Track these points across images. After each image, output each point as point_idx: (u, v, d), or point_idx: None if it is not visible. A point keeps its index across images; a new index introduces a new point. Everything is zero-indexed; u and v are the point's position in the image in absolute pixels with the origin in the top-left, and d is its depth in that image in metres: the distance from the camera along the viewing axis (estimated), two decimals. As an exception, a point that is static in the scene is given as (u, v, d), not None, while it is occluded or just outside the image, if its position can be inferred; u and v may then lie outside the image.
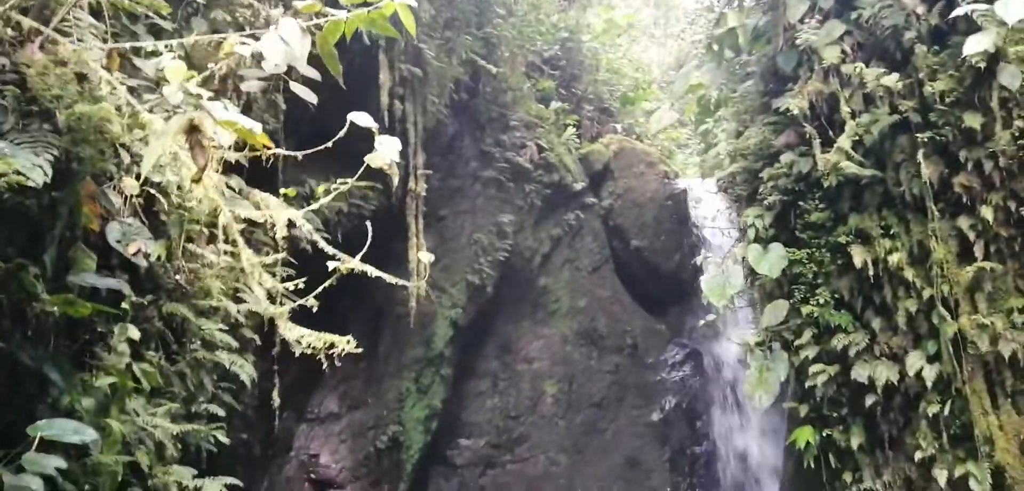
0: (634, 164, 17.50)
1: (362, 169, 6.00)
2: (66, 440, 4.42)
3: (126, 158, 6.20)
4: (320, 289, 7.41)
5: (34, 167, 4.55)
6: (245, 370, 8.58)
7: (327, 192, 9.91)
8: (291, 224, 10.45)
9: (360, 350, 14.14)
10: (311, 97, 6.55)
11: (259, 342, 9.82)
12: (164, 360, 7.25)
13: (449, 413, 15.61)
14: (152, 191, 6.66)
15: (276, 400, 9.93)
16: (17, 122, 4.96)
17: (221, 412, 8.10)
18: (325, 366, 7.55)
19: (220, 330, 8.15)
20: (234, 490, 10.48)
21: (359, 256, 7.44)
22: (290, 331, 9.01)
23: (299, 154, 6.71)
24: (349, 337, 6.83)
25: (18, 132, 4.91)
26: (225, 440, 8.60)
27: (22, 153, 4.62)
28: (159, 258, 7.22)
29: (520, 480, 15.84)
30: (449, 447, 15.95)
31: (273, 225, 9.43)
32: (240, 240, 7.95)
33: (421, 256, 11.53)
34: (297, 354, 10.09)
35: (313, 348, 7.24)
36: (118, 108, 5.53)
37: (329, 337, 6.88)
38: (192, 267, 7.83)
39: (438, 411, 14.60)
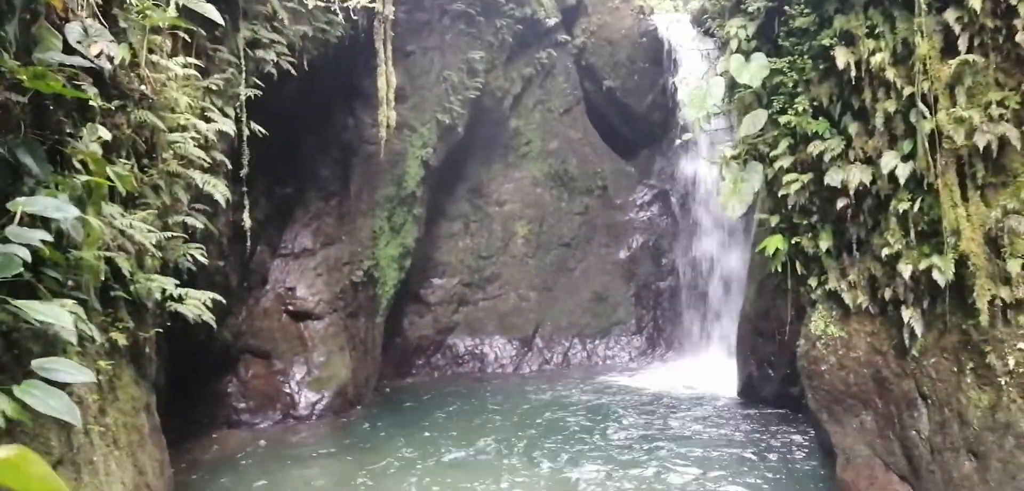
0: (608, -1, 17.10)
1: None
2: (49, 215, 4.32)
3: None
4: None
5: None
6: (219, 189, 8.44)
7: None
8: (254, 44, 10.10)
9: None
10: None
11: (229, 166, 9.66)
12: (137, 169, 7.08)
13: (422, 253, 15.76)
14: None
15: (247, 221, 9.86)
16: None
17: (198, 225, 8.00)
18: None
19: (193, 144, 7.96)
20: (217, 304, 10.58)
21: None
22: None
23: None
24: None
25: None
26: (203, 260, 8.58)
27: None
28: (123, 63, 6.93)
29: (491, 316, 16.25)
30: (422, 286, 16.21)
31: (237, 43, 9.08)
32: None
33: (389, 80, 11.29)
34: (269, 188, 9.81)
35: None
36: None
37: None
38: (157, 77, 7.55)
39: (411, 250, 14.70)
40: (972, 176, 6.06)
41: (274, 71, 10.45)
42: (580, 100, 16.96)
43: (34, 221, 4.51)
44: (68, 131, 5.94)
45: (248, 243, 12.19)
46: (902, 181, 6.40)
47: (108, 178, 6.16)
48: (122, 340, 6.64)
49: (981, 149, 5.88)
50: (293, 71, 10.75)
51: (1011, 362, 5.89)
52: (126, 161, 6.83)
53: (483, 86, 15.36)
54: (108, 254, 6.45)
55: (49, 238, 4.29)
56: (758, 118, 7.59)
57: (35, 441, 4.92)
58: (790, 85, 7.53)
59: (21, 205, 4.31)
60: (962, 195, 6.12)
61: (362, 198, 14.17)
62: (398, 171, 14.35)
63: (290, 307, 13.13)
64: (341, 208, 13.98)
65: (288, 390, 12.70)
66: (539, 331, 16.19)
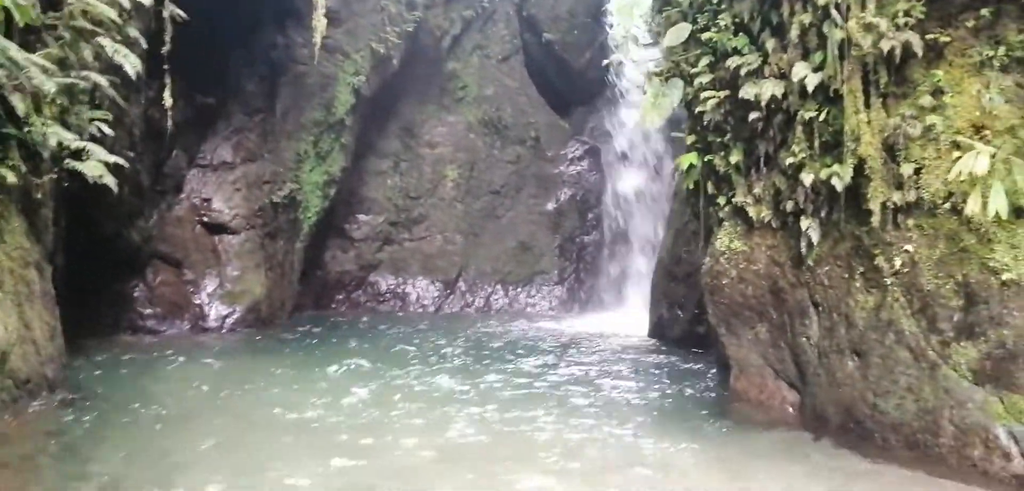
0: (552, -50, 17.13)
1: None
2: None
3: None
4: None
5: None
6: (129, 61, 8.12)
7: None
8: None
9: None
10: None
11: (145, 45, 9.31)
12: (39, 10, 6.75)
13: (349, 189, 15.54)
14: None
15: (168, 101, 9.52)
16: None
17: (104, 84, 7.66)
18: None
19: (103, 7, 7.62)
20: (127, 204, 10.13)
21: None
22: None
23: None
24: None
25: None
26: (109, 131, 8.25)
27: None
28: None
29: (416, 256, 16.16)
30: (347, 221, 15.99)
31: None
32: None
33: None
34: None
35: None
36: None
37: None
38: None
39: (337, 179, 14.49)
40: (875, 83, 6.31)
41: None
42: (519, 50, 17.00)
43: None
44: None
45: (164, 145, 11.84)
46: (810, 90, 6.61)
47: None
48: (11, 178, 6.36)
49: (885, 53, 6.12)
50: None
51: (897, 263, 6.17)
52: (26, -5, 6.50)
53: (421, 21, 15.25)
54: (1, 89, 6.15)
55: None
56: (681, 31, 7.73)
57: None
58: (715, 1, 7.69)
59: None
60: (866, 103, 6.36)
61: (288, 119, 13.87)
62: (327, 95, 14.09)
63: (205, 218, 12.77)
64: (265, 126, 13.65)
65: (198, 301, 12.37)
66: (463, 275, 16.19)
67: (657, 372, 9.76)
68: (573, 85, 17.35)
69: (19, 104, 6.38)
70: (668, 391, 8.68)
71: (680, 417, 7.50)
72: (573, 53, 16.93)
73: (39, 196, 6.97)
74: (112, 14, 7.67)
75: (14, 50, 6.12)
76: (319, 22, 11.39)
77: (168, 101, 9.57)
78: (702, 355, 10.39)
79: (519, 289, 16.24)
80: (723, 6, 7.57)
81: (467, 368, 9.82)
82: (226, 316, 12.40)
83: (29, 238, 7.05)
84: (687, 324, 11.44)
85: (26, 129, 6.52)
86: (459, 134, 16.66)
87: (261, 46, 13.64)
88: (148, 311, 11.99)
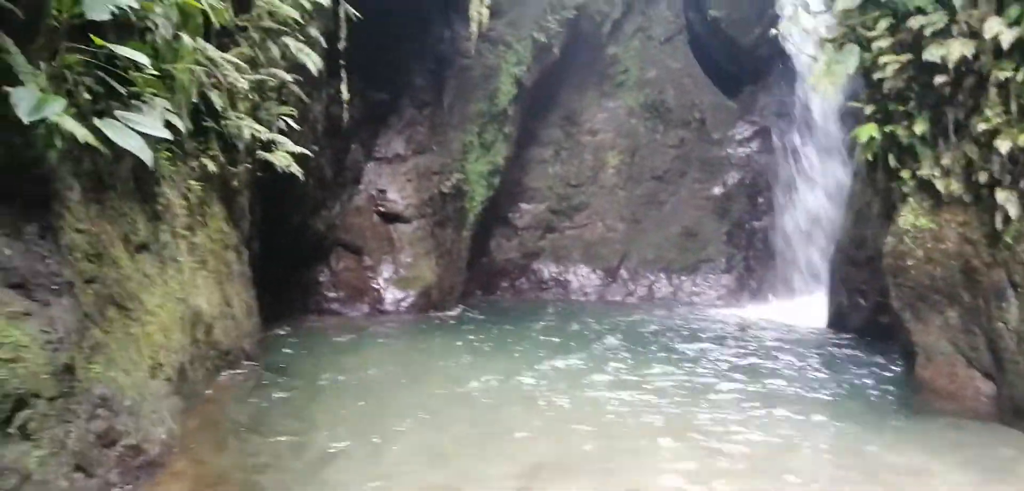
0: (719, -75, 16.51)
1: None
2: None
3: None
4: None
5: None
6: (311, 59, 8.81)
7: None
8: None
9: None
10: None
11: (325, 45, 10.05)
12: (231, 13, 7.46)
13: (512, 178, 15.89)
14: None
15: (345, 94, 10.20)
16: None
17: (289, 80, 8.36)
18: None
19: (287, 8, 8.30)
20: (312, 195, 10.97)
21: None
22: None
23: None
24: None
25: None
26: (295, 126, 9.00)
27: None
28: (226, -90, 7.29)
29: (577, 244, 16.23)
30: (511, 210, 16.36)
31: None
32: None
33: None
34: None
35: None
36: None
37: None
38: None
39: (500, 168, 14.86)
40: (1085, 36, 5.55)
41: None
42: (682, 29, 16.55)
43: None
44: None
45: (344, 140, 12.74)
46: (1006, 47, 5.94)
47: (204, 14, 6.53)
48: (212, 166, 7.09)
49: (1096, -1, 5.37)
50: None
51: (1117, 237, 5.39)
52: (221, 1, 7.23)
53: (582, 7, 15.25)
54: (201, 87, 6.87)
55: (136, 4, 4.61)
56: (855, -7, 7.21)
57: (123, 218, 5.36)
58: (893, -41, 7.10)
59: (115, -21, 4.66)
60: (1072, 58, 5.62)
61: (454, 111, 14.42)
62: (491, 86, 14.49)
63: (381, 208, 13.60)
64: (433, 119, 14.28)
65: (376, 285, 13.19)
66: (624, 262, 16.05)
67: (836, 363, 9.17)
68: (741, 63, 16.62)
69: (217, 99, 7.12)
70: (847, 382, 8.12)
71: (860, 408, 7.00)
72: (741, 29, 16.22)
73: (236, 184, 7.75)
74: (295, 15, 8.34)
75: (211, 50, 6.82)
76: (477, 12, 11.73)
77: (345, 96, 10.27)
78: (886, 346, 9.60)
79: (684, 277, 15.84)
80: (904, -38, 6.97)
81: (631, 353, 9.74)
82: (400, 300, 13.13)
83: (228, 223, 7.86)
84: (869, 312, 10.65)
85: (223, 122, 7.27)
86: (620, 119, 16.52)
87: (429, 41, 14.26)
88: (332, 295, 12.96)
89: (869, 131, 7.38)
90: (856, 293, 10.97)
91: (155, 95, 5.32)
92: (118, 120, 4.31)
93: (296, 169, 8.19)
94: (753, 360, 9.29)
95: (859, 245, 10.98)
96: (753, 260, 15.69)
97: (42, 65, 4.40)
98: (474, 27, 11.83)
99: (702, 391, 7.63)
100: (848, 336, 10.76)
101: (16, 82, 4.02)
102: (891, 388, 7.70)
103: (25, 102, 3.77)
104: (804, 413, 6.75)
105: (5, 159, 3.99)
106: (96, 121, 4.17)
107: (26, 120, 3.76)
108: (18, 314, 3.51)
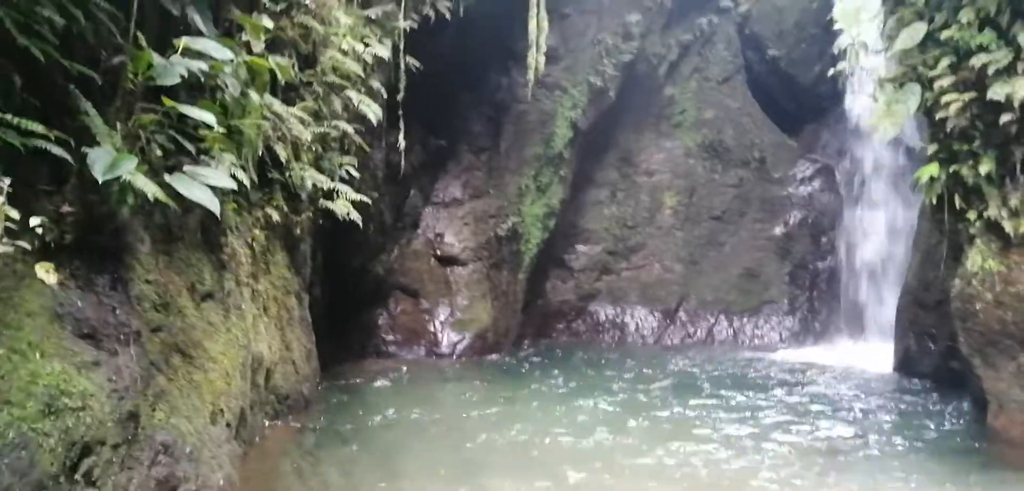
0: (777, -35, 16.41)
1: None
2: (210, 53, 4.91)
3: None
4: None
5: None
6: (371, 109, 9.08)
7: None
8: (415, -16, 10.69)
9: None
10: None
11: (385, 95, 10.36)
12: (297, 69, 7.78)
13: (568, 220, 15.93)
14: None
15: (401, 144, 10.45)
16: None
17: (350, 131, 8.63)
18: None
19: (351, 62, 8.61)
20: (372, 240, 11.21)
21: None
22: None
23: None
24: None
25: None
26: (356, 174, 9.27)
27: None
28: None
29: (634, 286, 16.10)
30: (566, 251, 16.36)
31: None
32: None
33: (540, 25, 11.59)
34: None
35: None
36: None
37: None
38: (319, -9, 8.24)
39: (556, 211, 14.92)
40: None
41: (432, 13, 11.08)
42: (740, 69, 16.42)
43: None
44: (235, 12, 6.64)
45: (403, 186, 13.03)
46: (1076, 84, 5.73)
47: (272, 72, 6.84)
48: (276, 216, 7.35)
49: None
50: (449, 16, 11.33)
51: None
52: (287, 58, 7.56)
53: (638, 51, 15.30)
54: (267, 140, 7.16)
55: (206, 68, 4.88)
56: (916, 32, 7.06)
57: (190, 269, 5.61)
58: (954, -3, 6.95)
59: (185, 42, 4.95)
60: None
61: (511, 156, 14.60)
62: (547, 131, 14.63)
63: (438, 252, 13.80)
64: (490, 163, 14.49)
65: (432, 328, 13.34)
66: (683, 304, 15.83)
67: (904, 411, 8.82)
68: (801, 102, 16.38)
69: (281, 152, 7.41)
70: (915, 432, 7.80)
71: (928, 459, 6.72)
72: (801, 68, 16.01)
73: (298, 232, 8.01)
74: (358, 69, 8.65)
75: (277, 105, 7.13)
76: (534, 60, 11.91)
77: (402, 144, 10.53)
78: (956, 392, 9.22)
79: (745, 319, 15.53)
80: (965, 1, 6.80)
81: (685, 400, 9.59)
82: (457, 342, 13.24)
83: (290, 270, 8.11)
84: (939, 357, 10.22)
85: (287, 173, 7.55)
86: (677, 160, 16.42)
87: (486, 88, 14.53)
88: (390, 337, 13.16)
89: (932, 171, 7.20)
90: (925, 337, 10.57)
91: (223, 150, 5.60)
92: (187, 174, 4.55)
93: (355, 216, 8.41)
94: (817, 408, 9.01)
95: (927, 287, 10.60)
96: (817, 302, 15.29)
97: (118, 125, 4.69)
98: (531, 75, 11.99)
99: (760, 440, 7.44)
100: (917, 381, 10.35)
101: (94, 143, 4.29)
102: (962, 439, 7.36)
103: (100, 162, 4.02)
104: (871, 470, 6.51)
105: (82, 215, 4.24)
106: (166, 176, 4.41)
107: (101, 179, 4.01)
108: (87, 364, 3.70)
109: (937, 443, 7.31)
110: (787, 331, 15.20)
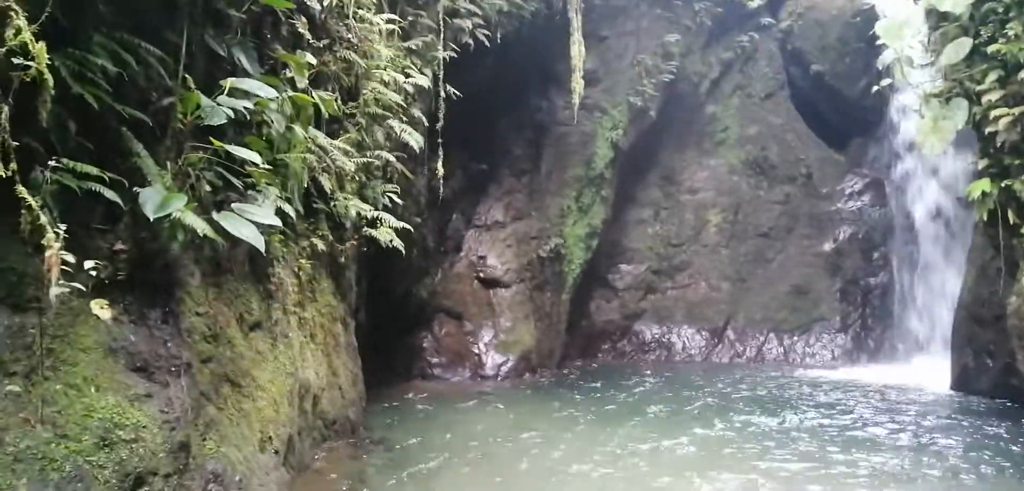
0: (818, -21, 16.22)
1: None
2: (255, 92, 5.08)
3: None
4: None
5: None
6: (413, 137, 9.23)
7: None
8: (453, 13, 10.89)
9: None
10: None
11: (426, 123, 10.52)
12: (340, 102, 7.96)
13: (611, 240, 15.89)
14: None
15: (440, 170, 10.58)
16: None
17: (393, 159, 8.77)
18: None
19: (392, 92, 8.77)
20: (415, 264, 11.32)
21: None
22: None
23: None
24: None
25: None
26: (399, 201, 9.42)
27: None
28: (331, 8, 7.85)
29: (680, 305, 15.95)
30: (610, 271, 16.31)
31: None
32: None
33: (580, 49, 11.65)
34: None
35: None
36: None
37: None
38: (362, 28, 8.45)
39: (598, 231, 14.90)
40: None
41: (470, 42, 11.23)
42: (784, 85, 16.23)
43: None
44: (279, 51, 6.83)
45: (445, 210, 13.18)
46: None
47: (315, 107, 7.02)
48: (321, 245, 7.52)
49: None
50: (487, 44, 11.47)
51: None
52: (330, 93, 7.74)
53: (678, 70, 15.25)
54: (312, 171, 7.34)
55: (251, 106, 5.04)
56: (961, 47, 6.91)
57: (238, 300, 5.77)
58: (1001, 10, 6.79)
59: (231, 83, 5.13)
60: None
61: (552, 177, 14.66)
62: (588, 152, 14.66)
63: (481, 274, 13.89)
64: (532, 185, 14.56)
65: (477, 350, 13.40)
66: (731, 323, 15.62)
67: (962, 430, 8.54)
68: (848, 115, 16.08)
69: (326, 183, 7.58)
70: (975, 453, 7.55)
71: (988, 481, 6.50)
72: (846, 82, 15.74)
73: (343, 260, 8.16)
74: (399, 99, 8.81)
75: (322, 138, 7.30)
76: (577, 84, 11.98)
77: (440, 171, 10.67)
78: (1018, 410, 8.91)
79: (795, 337, 15.24)
80: (1011, 14, 6.64)
81: (735, 423, 9.45)
82: (501, 364, 13.27)
83: (335, 297, 8.27)
84: (998, 374, 9.89)
85: (332, 203, 7.71)
86: (721, 177, 16.27)
87: (526, 112, 14.63)
88: (435, 360, 13.25)
89: (983, 186, 7.01)
90: (983, 353, 10.24)
91: (268, 184, 5.76)
92: (234, 212, 4.70)
93: (398, 243, 8.54)
94: (874, 431, 8.78)
95: (983, 302, 10.27)
96: (870, 318, 14.92)
97: (168, 164, 4.88)
98: (575, 98, 12.06)
99: (816, 463, 7.28)
100: (974, 399, 10.02)
101: (145, 182, 4.47)
102: (1020, 457, 7.10)
103: (151, 201, 4.18)
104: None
105: (134, 253, 4.42)
106: (214, 214, 4.57)
107: (152, 217, 4.17)
108: (140, 396, 3.85)
109: (998, 464, 7.05)
110: (839, 349, 14.87)
